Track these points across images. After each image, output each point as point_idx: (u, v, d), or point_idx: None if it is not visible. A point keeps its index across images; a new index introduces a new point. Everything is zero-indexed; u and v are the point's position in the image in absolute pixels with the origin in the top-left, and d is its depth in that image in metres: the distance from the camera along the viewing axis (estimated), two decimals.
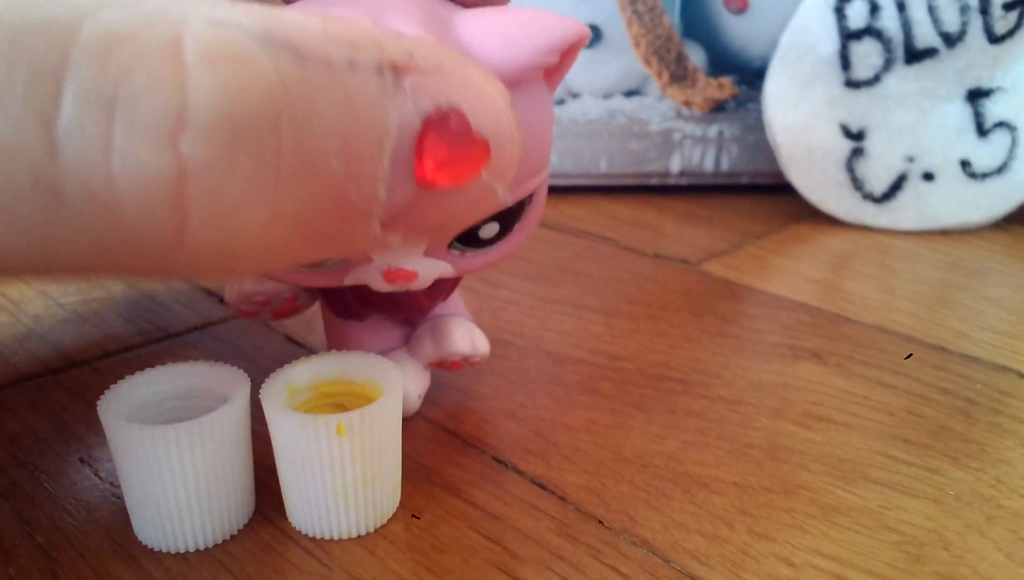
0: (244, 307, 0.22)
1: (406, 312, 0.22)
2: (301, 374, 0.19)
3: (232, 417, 0.17)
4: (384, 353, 0.22)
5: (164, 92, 0.09)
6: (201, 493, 0.17)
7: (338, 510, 0.18)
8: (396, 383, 0.18)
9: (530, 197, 0.18)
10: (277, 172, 0.10)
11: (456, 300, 0.24)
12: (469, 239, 0.18)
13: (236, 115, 0.10)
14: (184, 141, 0.09)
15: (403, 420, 0.22)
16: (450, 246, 0.18)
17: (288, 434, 0.17)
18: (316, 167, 0.11)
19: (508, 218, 0.18)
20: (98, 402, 0.17)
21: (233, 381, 0.18)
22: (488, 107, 0.12)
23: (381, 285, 0.18)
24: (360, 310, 0.22)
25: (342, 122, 0.11)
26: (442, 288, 0.22)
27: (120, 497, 0.19)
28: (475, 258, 0.19)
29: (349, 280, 0.19)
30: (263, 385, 0.18)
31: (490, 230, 0.18)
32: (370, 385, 0.19)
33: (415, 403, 0.22)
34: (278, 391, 0.18)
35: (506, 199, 0.13)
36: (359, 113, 0.11)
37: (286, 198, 0.10)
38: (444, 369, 0.23)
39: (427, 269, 0.18)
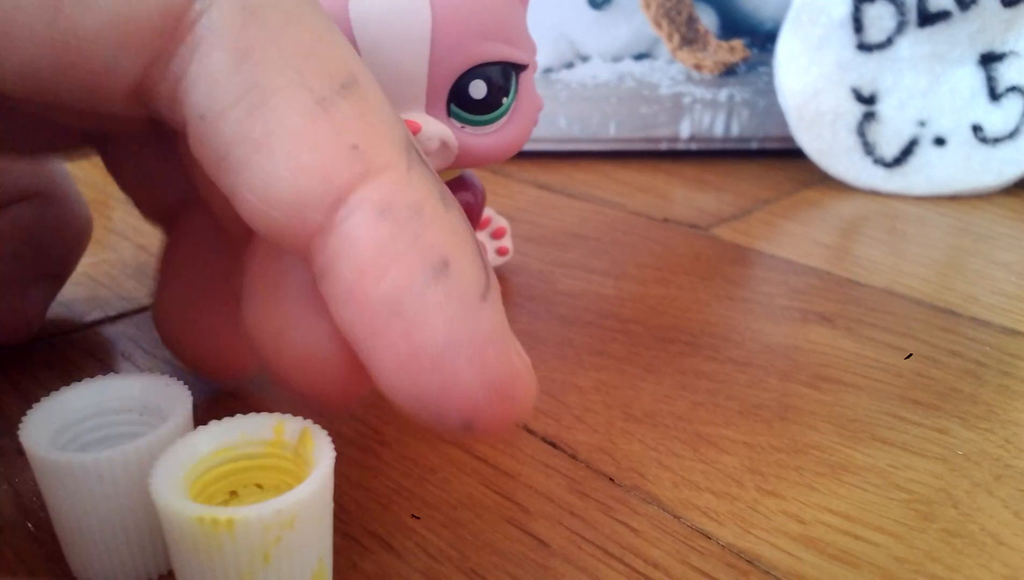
0: None
1: None
2: (198, 449, 0.14)
3: (171, 440, 0.15)
4: None
5: None
6: (140, 527, 0.15)
7: None
8: (325, 450, 0.14)
9: (515, 76, 0.22)
10: None
11: None
12: (463, 101, 0.21)
13: None
14: None
15: None
16: (449, 114, 0.21)
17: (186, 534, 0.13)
18: None
19: (494, 82, 0.21)
20: (19, 426, 0.15)
21: (172, 396, 0.16)
22: None
23: None
24: None
25: None
26: None
27: None
28: (474, 138, 0.22)
29: None
30: (152, 473, 0.14)
31: (479, 89, 0.21)
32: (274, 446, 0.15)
33: None
34: (175, 479, 0.14)
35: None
36: None
37: None
38: None
39: (431, 125, 0.21)
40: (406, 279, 0.13)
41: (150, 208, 0.20)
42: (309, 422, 0.15)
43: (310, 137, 0.13)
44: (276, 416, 0.15)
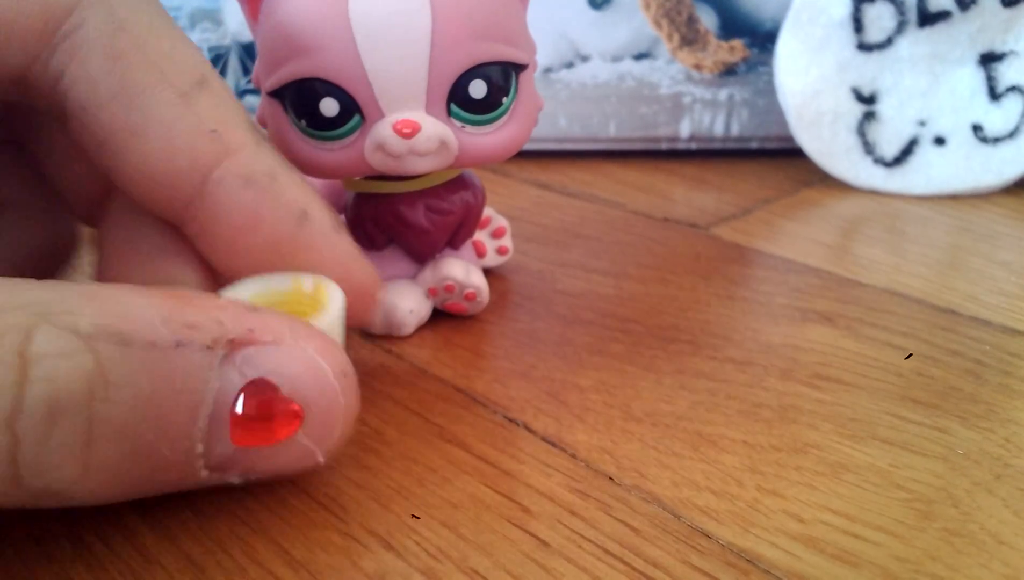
0: None
1: (420, 247, 0.25)
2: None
3: None
4: (393, 278, 0.25)
5: (9, 387, 0.13)
6: None
7: None
8: (336, 296, 0.18)
9: (515, 75, 0.22)
10: (87, 439, 0.13)
11: (468, 250, 0.26)
12: (463, 101, 0.21)
13: (53, 399, 0.13)
14: (19, 422, 0.13)
15: (414, 377, 0.23)
16: (449, 113, 0.22)
17: None
18: (125, 432, 0.14)
19: (493, 82, 0.22)
20: None
21: None
22: (312, 378, 0.15)
23: (395, 142, 0.21)
24: (379, 240, 0.25)
25: (158, 393, 0.14)
26: (456, 230, 0.25)
27: None
28: (474, 138, 0.22)
29: (369, 148, 0.21)
30: None
31: (479, 89, 0.21)
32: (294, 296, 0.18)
33: (407, 317, 0.24)
34: None
35: (322, 459, 0.16)
36: (176, 385, 0.14)
37: (99, 456, 0.13)
38: (448, 310, 0.26)
39: (430, 125, 0.21)
40: (279, 229, 0.17)
41: (79, 204, 0.21)
42: (322, 277, 0.18)
43: (178, 125, 0.16)
44: (293, 274, 0.18)
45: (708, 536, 0.17)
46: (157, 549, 0.17)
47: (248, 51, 0.40)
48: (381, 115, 0.21)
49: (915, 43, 0.36)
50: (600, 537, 0.17)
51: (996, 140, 0.37)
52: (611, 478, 0.19)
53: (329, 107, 0.21)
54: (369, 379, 0.23)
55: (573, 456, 0.20)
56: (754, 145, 0.42)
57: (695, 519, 0.18)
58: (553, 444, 0.20)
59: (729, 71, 0.40)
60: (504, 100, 0.22)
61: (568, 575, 0.16)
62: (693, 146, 0.42)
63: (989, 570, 0.17)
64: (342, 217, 0.27)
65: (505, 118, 0.23)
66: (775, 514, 0.18)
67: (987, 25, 0.35)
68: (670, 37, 0.40)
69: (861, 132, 0.37)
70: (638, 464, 0.19)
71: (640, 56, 0.40)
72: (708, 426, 0.21)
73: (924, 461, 0.20)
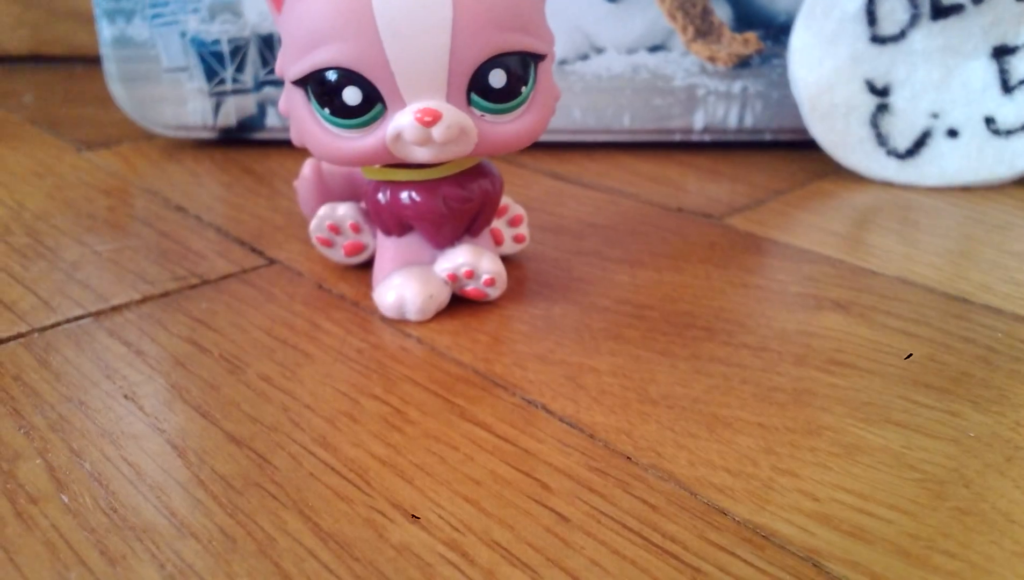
0: (320, 235, 0.28)
1: (439, 234, 0.26)
2: None
3: None
4: (412, 265, 0.26)
5: None
6: None
7: None
8: None
9: (534, 65, 0.23)
10: None
11: (486, 238, 0.27)
12: (483, 90, 0.22)
13: None
14: None
15: (434, 360, 0.23)
16: (469, 102, 0.22)
17: None
18: None
19: (513, 72, 0.22)
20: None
21: None
22: None
23: (416, 130, 0.22)
24: (399, 227, 0.26)
25: None
26: (475, 218, 0.26)
27: (165, 430, 0.20)
28: (494, 127, 0.23)
29: (390, 137, 0.22)
30: None
31: (498, 78, 0.22)
32: None
33: (427, 303, 0.25)
34: None
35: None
36: None
37: None
38: (466, 295, 0.26)
39: (451, 113, 0.22)
40: None
41: None
42: None
43: None
44: None
45: (724, 513, 0.18)
46: (190, 521, 0.17)
47: (267, 43, 0.40)
48: (403, 104, 0.22)
49: (928, 36, 0.36)
50: (619, 513, 0.18)
51: (1009, 132, 0.37)
52: (628, 457, 0.19)
53: (352, 96, 0.22)
54: (390, 362, 0.23)
55: (591, 436, 0.20)
56: (767, 137, 0.42)
57: (711, 497, 0.18)
58: (571, 425, 0.21)
59: (743, 63, 0.40)
60: (523, 89, 0.23)
61: (588, 548, 0.17)
62: (707, 138, 0.42)
63: (1000, 547, 0.17)
64: (362, 204, 0.27)
65: (524, 107, 0.23)
66: (790, 493, 0.18)
67: (1000, 18, 0.36)
68: (684, 29, 0.40)
69: (874, 124, 0.37)
70: (655, 444, 0.20)
71: (654, 48, 0.40)
72: (723, 409, 0.21)
73: (936, 443, 0.20)
